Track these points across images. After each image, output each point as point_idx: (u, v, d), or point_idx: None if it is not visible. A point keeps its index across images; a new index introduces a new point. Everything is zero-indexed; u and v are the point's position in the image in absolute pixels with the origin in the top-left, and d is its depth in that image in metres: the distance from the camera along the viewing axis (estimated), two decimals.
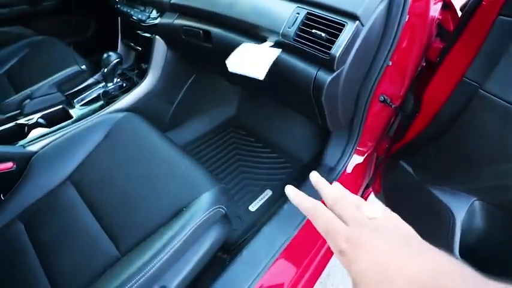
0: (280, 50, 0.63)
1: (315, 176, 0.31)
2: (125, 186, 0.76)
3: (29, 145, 0.85)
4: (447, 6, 0.73)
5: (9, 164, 0.79)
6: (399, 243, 0.20)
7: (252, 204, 1.05)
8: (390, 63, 0.72)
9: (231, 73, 0.66)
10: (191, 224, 0.65)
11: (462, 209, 0.64)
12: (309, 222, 0.86)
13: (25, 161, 0.81)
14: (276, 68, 0.63)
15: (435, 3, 0.70)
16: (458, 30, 0.63)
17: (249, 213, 1.03)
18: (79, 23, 1.48)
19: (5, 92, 1.09)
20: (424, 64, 0.85)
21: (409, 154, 0.79)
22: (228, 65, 0.63)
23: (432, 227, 0.71)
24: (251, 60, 0.60)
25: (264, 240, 0.84)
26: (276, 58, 0.62)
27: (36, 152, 0.83)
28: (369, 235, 0.21)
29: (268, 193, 1.09)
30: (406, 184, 0.79)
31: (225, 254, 0.89)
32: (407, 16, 0.64)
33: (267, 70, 0.57)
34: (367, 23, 0.58)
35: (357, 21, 0.57)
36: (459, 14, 0.70)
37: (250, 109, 1.38)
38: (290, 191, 0.31)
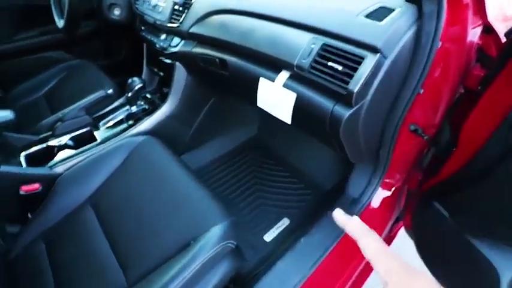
0: (295, 94, 0.61)
1: (339, 215, 0.32)
2: (139, 213, 0.77)
3: (56, 167, 0.90)
4: (489, 31, 0.64)
5: (36, 186, 0.84)
6: None
7: (268, 234, 1.00)
8: (422, 91, 0.64)
9: (245, 93, 0.68)
10: (198, 259, 0.63)
11: (509, 267, 0.54)
12: (328, 259, 0.79)
13: (51, 182, 0.86)
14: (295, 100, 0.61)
15: (474, 28, 0.62)
16: (503, 59, 0.54)
17: (263, 244, 0.98)
18: (112, 47, 1.58)
19: (43, 113, 1.18)
20: (463, 91, 0.75)
21: (444, 195, 0.70)
22: (258, 103, 0.67)
23: (471, 284, 0.60)
24: (275, 102, 0.61)
25: (277, 277, 0.79)
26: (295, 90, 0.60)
27: (61, 174, 0.87)
28: None
29: (285, 222, 1.04)
30: (441, 229, 0.69)
31: (236, 287, 0.85)
32: (440, 43, 0.57)
33: (291, 114, 0.56)
34: (390, 55, 0.52)
35: (378, 54, 0.51)
36: (503, 39, 0.61)
37: (271, 130, 1.35)
38: (338, 216, 0.32)
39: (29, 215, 0.88)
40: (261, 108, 1.32)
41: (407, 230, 1.04)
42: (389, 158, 0.80)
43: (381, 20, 0.54)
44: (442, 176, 0.70)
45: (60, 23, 1.13)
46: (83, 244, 0.75)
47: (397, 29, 0.53)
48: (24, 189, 0.82)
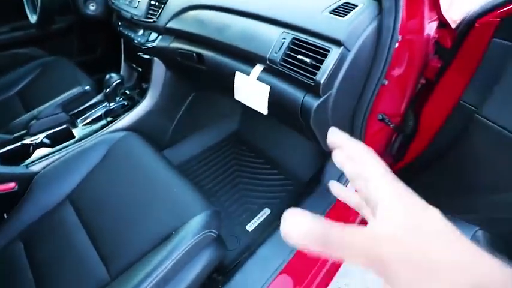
0: (269, 87, 0.64)
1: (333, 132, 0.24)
2: (119, 207, 0.77)
3: (32, 165, 0.88)
4: (444, 25, 0.70)
5: (12, 185, 0.82)
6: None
7: (250, 224, 1.04)
8: (386, 83, 0.70)
9: (222, 86, 0.69)
10: (180, 249, 0.65)
11: None
12: None
13: (27, 181, 0.84)
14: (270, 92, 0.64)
15: (430, 22, 0.68)
16: (453, 51, 0.60)
17: (246, 233, 1.01)
18: (88, 43, 1.55)
19: (17, 112, 1.15)
20: (424, 82, 0.82)
21: (410, 176, 0.76)
22: (235, 95, 0.68)
23: None
24: (251, 95, 0.63)
25: (258, 263, 0.82)
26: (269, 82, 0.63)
27: (38, 172, 0.86)
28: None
29: (266, 212, 1.07)
30: None
31: (219, 276, 0.88)
32: (400, 36, 0.62)
33: (267, 105, 0.59)
34: (353, 48, 0.57)
35: (342, 47, 0.55)
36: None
37: (252, 124, 1.38)
38: (333, 186, 0.27)
39: (5, 216, 0.86)
40: (241, 102, 1.34)
41: None
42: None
43: (344, 15, 0.58)
44: (408, 158, 0.76)
45: (33, 18, 1.10)
46: (62, 241, 0.74)
47: (359, 24, 0.57)
48: (0, 188, 0.80)
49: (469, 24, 0.53)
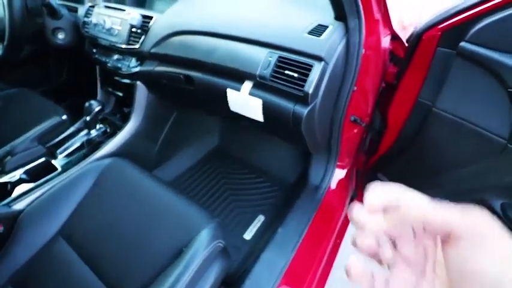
0: (261, 101, 0.71)
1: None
2: (121, 233, 0.76)
3: (15, 203, 0.83)
4: (395, 38, 0.85)
5: None
6: None
7: (247, 232, 1.08)
8: (355, 88, 0.81)
9: (211, 107, 0.71)
10: (194, 263, 0.66)
11: None
12: (304, 241, 0.90)
13: (12, 221, 0.79)
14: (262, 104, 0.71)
15: (385, 36, 0.82)
16: (407, 59, 0.74)
17: (244, 242, 1.05)
18: (51, 71, 1.49)
19: None
20: (384, 85, 0.96)
21: (384, 167, 0.87)
22: (230, 107, 0.73)
23: None
24: (245, 107, 0.69)
25: (264, 267, 0.86)
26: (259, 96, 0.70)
27: (23, 210, 0.81)
28: None
29: (260, 218, 1.12)
30: None
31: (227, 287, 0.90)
32: (363, 50, 0.75)
33: (262, 115, 0.65)
34: (330, 62, 0.67)
35: (323, 62, 0.65)
36: (406, 43, 0.82)
37: (232, 137, 1.44)
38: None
39: None
40: (220, 118, 1.40)
41: None
42: (338, 146, 0.96)
43: (320, 35, 0.68)
44: (380, 152, 0.89)
45: None
46: (61, 279, 0.71)
47: (333, 42, 0.68)
48: None
49: (418, 37, 0.67)
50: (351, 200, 1.22)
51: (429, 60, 0.66)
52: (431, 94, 0.67)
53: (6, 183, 0.89)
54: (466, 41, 0.59)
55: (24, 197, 0.85)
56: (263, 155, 1.35)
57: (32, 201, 0.83)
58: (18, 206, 0.83)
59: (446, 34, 0.62)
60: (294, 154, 1.32)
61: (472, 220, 0.19)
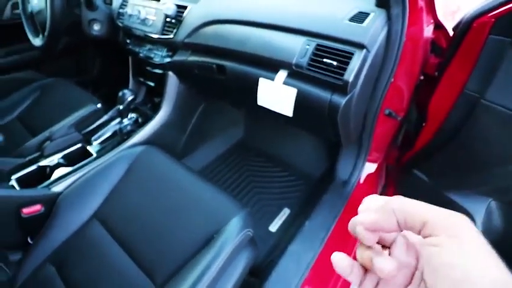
0: (296, 90, 0.69)
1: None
2: (153, 218, 0.78)
3: (54, 186, 0.87)
4: (439, 27, 0.81)
5: (38, 207, 0.81)
6: None
7: (272, 225, 1.07)
8: (393, 80, 0.78)
9: (239, 98, 0.69)
10: (225, 250, 0.66)
11: (480, 210, 0.68)
12: (332, 236, 0.88)
13: (51, 202, 0.83)
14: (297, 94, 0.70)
15: (428, 26, 0.78)
16: (453, 48, 0.70)
17: (270, 234, 1.04)
18: (85, 62, 1.54)
19: (20, 136, 1.12)
20: (422, 77, 0.92)
21: (421, 162, 0.84)
22: (258, 101, 0.71)
23: None
24: (276, 99, 0.67)
25: (291, 259, 0.86)
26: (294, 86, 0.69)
27: (61, 193, 0.85)
28: None
29: (286, 211, 1.11)
30: (422, 191, 0.83)
31: (253, 278, 0.90)
32: (405, 39, 0.71)
33: (293, 107, 0.63)
34: (372, 50, 0.65)
35: (364, 49, 0.63)
36: (451, 32, 0.77)
37: (256, 130, 1.43)
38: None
39: (29, 240, 0.83)
40: (246, 111, 1.39)
41: None
42: (370, 140, 0.93)
43: (362, 22, 0.66)
44: (417, 147, 0.85)
45: (36, 41, 1.09)
46: (97, 259, 0.74)
47: (375, 29, 0.65)
48: (26, 211, 0.78)
49: (468, 24, 0.62)
50: (381, 195, 1.18)
51: (479, 49, 0.62)
52: (479, 85, 0.63)
53: (45, 166, 0.94)
54: None
55: (62, 180, 0.88)
56: (288, 149, 1.34)
57: (70, 185, 0.87)
58: (57, 188, 0.87)
59: (500, 21, 0.58)
60: (319, 149, 1.30)
61: (449, 217, 0.20)
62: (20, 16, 1.17)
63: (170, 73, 1.01)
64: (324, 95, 0.68)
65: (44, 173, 0.94)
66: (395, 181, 1.03)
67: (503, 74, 0.59)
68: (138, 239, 0.76)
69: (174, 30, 0.92)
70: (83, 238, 0.80)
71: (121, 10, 1.06)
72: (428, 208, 0.21)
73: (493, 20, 0.58)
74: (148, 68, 1.09)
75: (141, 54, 1.05)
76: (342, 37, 0.65)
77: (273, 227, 1.06)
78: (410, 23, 0.70)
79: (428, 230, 0.20)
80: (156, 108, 1.09)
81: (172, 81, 1.03)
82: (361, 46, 0.63)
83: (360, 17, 0.67)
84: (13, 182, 0.88)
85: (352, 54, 0.63)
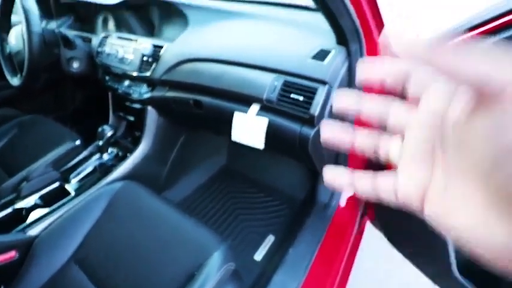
0: (267, 119, 0.73)
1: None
2: (132, 257, 0.77)
3: (30, 229, 0.85)
4: None
5: (12, 253, 0.78)
6: None
7: (257, 253, 1.07)
8: None
9: (218, 128, 0.71)
10: (207, 287, 0.66)
11: None
12: (316, 262, 0.89)
13: (27, 247, 0.81)
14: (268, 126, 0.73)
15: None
16: None
17: (255, 264, 1.04)
18: (64, 98, 1.55)
19: None
20: None
21: None
22: (232, 137, 0.75)
23: (428, 246, 0.76)
24: (249, 132, 0.70)
25: None
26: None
27: (37, 236, 0.83)
28: None
29: (270, 239, 1.12)
30: (403, 212, 0.86)
31: None
32: None
33: (263, 139, 0.66)
34: (334, 85, 0.70)
35: (327, 85, 0.68)
36: None
37: (239, 156, 1.45)
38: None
39: None
40: (227, 138, 1.42)
41: (373, 222, 1.21)
42: (346, 163, 0.97)
43: (323, 60, 0.71)
44: (389, 167, 0.88)
45: (14, 80, 1.10)
46: None
47: (336, 66, 0.71)
48: (0, 259, 0.76)
49: None
50: (362, 217, 1.21)
51: None
52: None
53: (21, 209, 0.92)
54: None
55: (38, 222, 0.87)
56: (271, 173, 1.36)
57: (47, 227, 0.85)
58: (33, 231, 0.84)
59: None
60: (301, 171, 1.33)
61: None
62: None
63: (149, 107, 1.04)
64: (295, 127, 0.72)
65: (20, 216, 0.92)
66: (375, 203, 1.06)
67: None
68: (117, 280, 0.74)
69: (152, 68, 0.96)
70: (60, 283, 0.77)
71: (99, 49, 1.09)
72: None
73: None
74: (127, 103, 1.11)
75: (119, 91, 1.08)
76: (305, 74, 0.70)
77: (258, 256, 1.06)
78: (369, 56, 0.76)
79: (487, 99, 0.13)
80: (136, 142, 1.10)
81: (151, 116, 1.05)
82: (323, 82, 0.68)
83: (321, 55, 0.73)
84: None
85: (316, 89, 0.68)
